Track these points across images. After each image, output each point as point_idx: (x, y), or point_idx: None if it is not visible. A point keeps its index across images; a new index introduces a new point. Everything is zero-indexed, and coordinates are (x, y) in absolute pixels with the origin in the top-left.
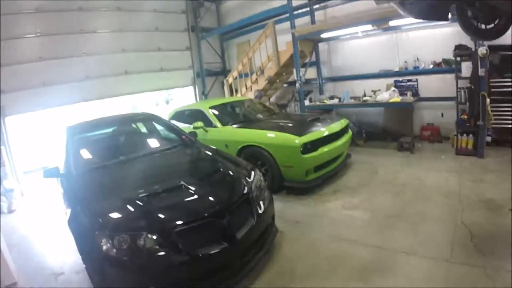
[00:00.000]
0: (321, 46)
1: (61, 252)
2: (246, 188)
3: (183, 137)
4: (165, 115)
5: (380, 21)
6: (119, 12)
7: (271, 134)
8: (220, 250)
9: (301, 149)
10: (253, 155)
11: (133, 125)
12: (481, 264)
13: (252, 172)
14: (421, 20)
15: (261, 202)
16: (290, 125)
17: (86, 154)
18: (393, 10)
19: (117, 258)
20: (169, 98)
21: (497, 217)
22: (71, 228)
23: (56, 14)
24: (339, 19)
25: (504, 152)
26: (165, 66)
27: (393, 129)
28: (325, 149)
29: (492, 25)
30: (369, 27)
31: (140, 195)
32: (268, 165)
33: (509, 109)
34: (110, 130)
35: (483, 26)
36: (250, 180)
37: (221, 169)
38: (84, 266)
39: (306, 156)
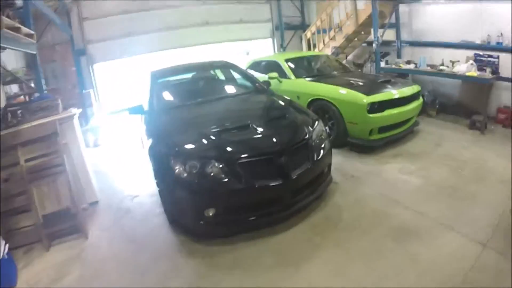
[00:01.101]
0: (402, 8)
1: (138, 179)
2: (306, 135)
3: (257, 84)
4: (244, 64)
5: None
6: None
7: (340, 90)
8: (275, 184)
9: (367, 108)
10: (322, 108)
11: (212, 72)
12: None
13: (316, 122)
14: None
15: (319, 150)
16: (361, 83)
17: (167, 95)
18: None
19: (187, 180)
20: (248, 49)
21: None
22: (150, 155)
23: None
24: None
25: None
26: (245, 18)
27: (468, 105)
28: (392, 111)
29: None
30: None
31: (213, 130)
32: (335, 120)
33: None
34: (190, 75)
35: None
36: (312, 129)
37: (287, 115)
38: (158, 189)
39: (372, 115)
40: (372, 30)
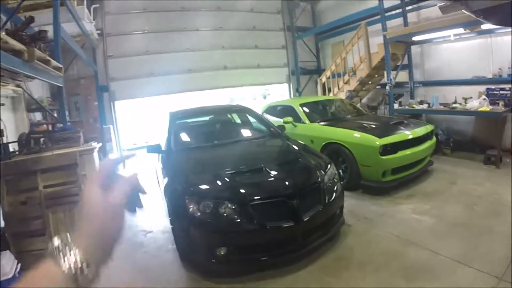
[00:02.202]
0: (414, 48)
1: (153, 216)
2: (319, 178)
3: (272, 129)
4: (259, 108)
5: (471, 24)
6: (219, 12)
7: (354, 134)
8: (286, 226)
9: (380, 150)
10: (335, 151)
11: (228, 115)
12: None
13: (328, 166)
14: None
15: (331, 193)
16: (373, 126)
17: (184, 136)
18: None
19: (201, 219)
20: (266, 93)
21: None
22: (165, 193)
23: (161, 14)
24: (430, 21)
25: None
26: (262, 63)
27: (482, 141)
28: (405, 152)
29: None
30: (462, 30)
31: (227, 172)
32: (348, 163)
33: None
34: (207, 118)
35: None
36: (324, 173)
37: (300, 159)
38: (171, 227)
39: (384, 157)
40: (385, 72)
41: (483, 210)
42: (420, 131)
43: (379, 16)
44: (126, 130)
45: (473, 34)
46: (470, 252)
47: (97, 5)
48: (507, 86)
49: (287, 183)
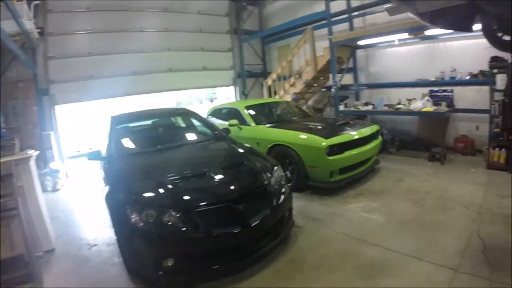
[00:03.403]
0: (359, 52)
1: (97, 227)
2: (265, 181)
3: (216, 132)
4: (206, 111)
5: (416, 30)
6: (165, 13)
7: (300, 135)
8: (233, 232)
9: (327, 151)
10: (282, 153)
11: (172, 119)
12: (487, 277)
13: (275, 168)
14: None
15: (279, 196)
16: (320, 127)
17: (127, 141)
18: None
19: (144, 230)
20: (212, 96)
21: None
22: (107, 203)
23: (105, 13)
24: (375, 26)
25: None
26: (208, 65)
27: (426, 139)
28: (351, 152)
29: None
30: (405, 35)
31: (170, 178)
32: (295, 164)
33: None
34: (150, 121)
35: (507, 38)
36: (270, 175)
37: (245, 162)
38: (116, 238)
39: (331, 158)
40: (330, 75)
41: (431, 205)
42: (366, 131)
43: (324, 21)
44: (69, 137)
45: (416, 39)
46: (423, 247)
47: (38, 2)
48: (449, 88)
49: (232, 187)
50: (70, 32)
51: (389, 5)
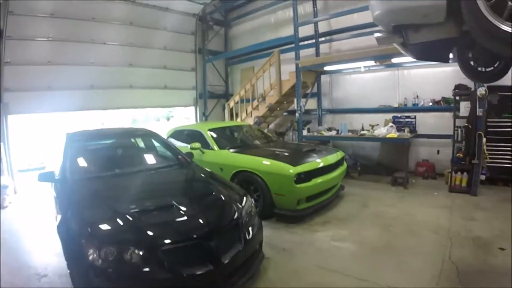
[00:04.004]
0: (323, 78)
1: (48, 254)
2: (236, 213)
3: (180, 157)
4: (165, 132)
5: (383, 58)
6: (131, 27)
7: (266, 162)
8: (205, 272)
9: (295, 179)
10: (247, 180)
11: (132, 140)
12: None
13: (244, 198)
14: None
15: (250, 228)
16: (286, 154)
17: (82, 162)
18: (395, 48)
19: (102, 268)
20: (169, 115)
21: (485, 254)
22: (59, 234)
23: (69, 21)
24: (343, 53)
25: (496, 191)
26: (169, 84)
27: (388, 164)
28: (318, 180)
29: (492, 68)
30: (371, 62)
31: (131, 210)
32: (261, 192)
33: (508, 148)
34: (109, 141)
35: (482, 69)
36: (241, 206)
37: (214, 192)
38: (69, 271)
39: (299, 186)
40: (295, 99)
41: (400, 231)
42: (332, 158)
43: (291, 45)
44: (21, 149)
45: (381, 66)
46: (398, 275)
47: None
48: (412, 114)
49: (201, 221)
50: (30, 38)
51: (378, 34)
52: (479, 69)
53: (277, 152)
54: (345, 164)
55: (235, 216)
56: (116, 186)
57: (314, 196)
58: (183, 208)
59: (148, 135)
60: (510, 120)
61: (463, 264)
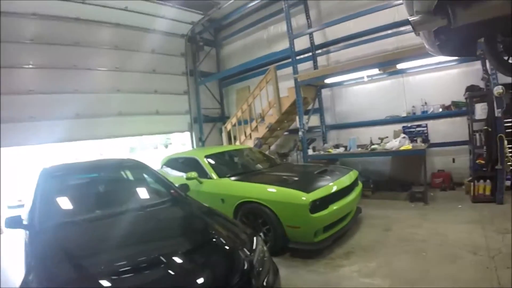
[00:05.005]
0: (324, 92)
1: None
2: (246, 264)
3: (172, 191)
4: (159, 161)
5: (387, 64)
6: (117, 51)
7: (273, 189)
8: None
9: (310, 208)
10: (254, 212)
11: (117, 174)
12: None
13: (254, 240)
14: (428, 62)
15: (264, 280)
16: (296, 178)
17: (56, 204)
18: (400, 52)
19: None
20: (167, 142)
21: None
22: None
23: (51, 47)
24: (343, 63)
25: None
26: (161, 109)
27: (402, 178)
28: (335, 206)
29: None
30: (374, 71)
31: (106, 271)
32: (271, 225)
33: None
34: (90, 176)
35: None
36: (250, 253)
37: (214, 238)
38: None
39: (315, 215)
40: (296, 117)
41: (435, 256)
42: (347, 179)
43: (287, 60)
44: (9, 183)
45: (384, 75)
46: None
47: None
48: (423, 123)
49: (200, 282)
50: (10, 66)
51: (415, 17)
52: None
53: (284, 177)
54: (360, 184)
55: (245, 268)
56: (93, 234)
57: (332, 224)
58: (176, 265)
59: (135, 167)
60: None
61: None
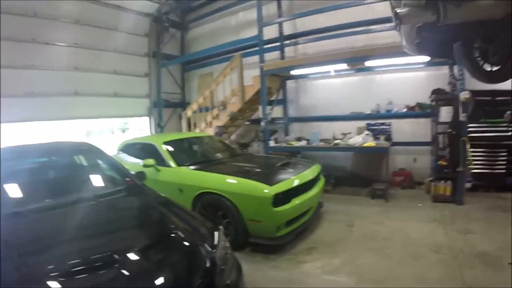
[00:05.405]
0: (289, 83)
1: None
2: (208, 262)
3: (128, 179)
4: (115, 147)
5: (357, 61)
6: (77, 25)
7: (234, 180)
8: None
9: (272, 201)
10: (213, 204)
11: (70, 159)
12: None
13: (215, 235)
14: (397, 62)
15: (228, 278)
16: (258, 170)
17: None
18: (372, 49)
19: None
20: (125, 127)
21: (497, 272)
22: None
23: (7, 17)
24: (310, 56)
25: (480, 198)
26: (120, 91)
27: (363, 175)
28: (298, 200)
29: (499, 67)
30: (342, 66)
31: (53, 273)
32: (231, 218)
33: (487, 154)
34: (39, 161)
35: (488, 68)
36: (212, 249)
37: (174, 234)
38: None
39: (278, 209)
40: (259, 107)
41: (398, 255)
42: (311, 172)
43: (254, 49)
44: None
45: (351, 71)
46: None
47: None
48: (387, 121)
49: (158, 283)
50: None
51: (403, 9)
52: (485, 67)
53: (246, 168)
54: (322, 179)
55: (207, 266)
56: (41, 228)
57: (294, 219)
58: (131, 263)
59: (90, 151)
60: (490, 125)
61: (481, 286)
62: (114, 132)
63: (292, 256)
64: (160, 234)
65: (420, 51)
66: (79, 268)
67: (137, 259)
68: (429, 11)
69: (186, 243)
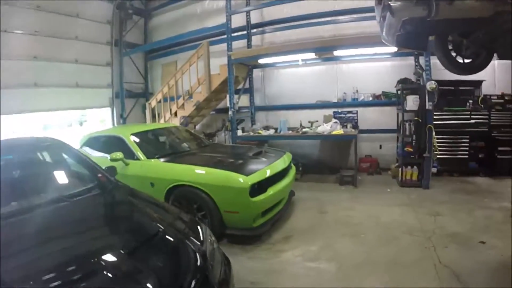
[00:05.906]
0: (255, 72)
1: None
2: (199, 259)
3: (100, 175)
4: (78, 139)
5: (325, 50)
6: (37, 12)
7: (208, 172)
8: None
9: (249, 191)
10: (187, 197)
11: (33, 155)
12: None
13: (199, 228)
14: (364, 52)
15: (218, 272)
16: (231, 160)
17: None
18: (339, 39)
19: None
20: (82, 120)
21: (470, 251)
22: None
23: None
24: (277, 45)
25: (444, 182)
26: (82, 81)
27: (330, 162)
28: (274, 188)
29: (471, 60)
30: (310, 55)
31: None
32: (207, 210)
33: (450, 141)
34: (4, 159)
35: (462, 60)
36: (200, 244)
37: (160, 232)
38: None
39: (255, 199)
40: (226, 96)
41: (373, 239)
42: (282, 161)
43: (220, 37)
44: None
45: (319, 60)
46: None
47: None
48: (354, 109)
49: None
50: None
51: (396, 3)
52: (458, 60)
53: (219, 158)
54: (293, 167)
55: (198, 263)
56: (7, 236)
57: (269, 209)
58: (119, 270)
59: (56, 147)
60: (453, 113)
61: (456, 265)
62: (72, 125)
63: (270, 246)
64: (146, 233)
65: (398, 43)
66: (59, 283)
67: (126, 264)
68: (421, 6)
69: (175, 241)
